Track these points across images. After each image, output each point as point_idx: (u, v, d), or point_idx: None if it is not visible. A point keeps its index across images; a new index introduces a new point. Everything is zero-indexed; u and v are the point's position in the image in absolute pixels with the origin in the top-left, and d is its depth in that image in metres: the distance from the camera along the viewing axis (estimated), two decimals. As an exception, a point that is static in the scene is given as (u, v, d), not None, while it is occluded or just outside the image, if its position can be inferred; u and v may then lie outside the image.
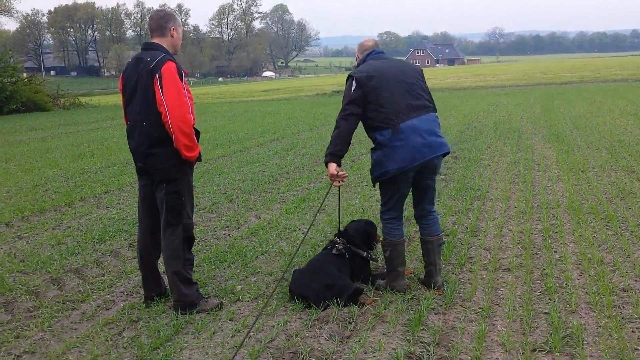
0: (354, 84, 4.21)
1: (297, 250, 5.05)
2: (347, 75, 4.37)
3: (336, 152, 4.24)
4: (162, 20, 4.12)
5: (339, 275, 4.34)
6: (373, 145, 4.34)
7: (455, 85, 41.55)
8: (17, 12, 47.30)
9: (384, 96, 4.16)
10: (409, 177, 4.27)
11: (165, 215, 4.14)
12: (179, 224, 4.15)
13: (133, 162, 4.39)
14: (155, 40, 4.13)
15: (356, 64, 4.60)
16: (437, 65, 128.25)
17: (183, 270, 4.17)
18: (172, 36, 4.15)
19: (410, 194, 4.50)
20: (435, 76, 57.03)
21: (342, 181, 4.34)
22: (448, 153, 4.37)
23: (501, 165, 9.41)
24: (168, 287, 4.36)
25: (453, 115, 17.90)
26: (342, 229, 4.81)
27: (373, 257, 4.75)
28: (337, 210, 4.93)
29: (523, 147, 11.15)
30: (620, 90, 27.33)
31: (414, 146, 4.13)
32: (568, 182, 7.89)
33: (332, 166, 4.25)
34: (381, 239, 4.59)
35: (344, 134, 4.22)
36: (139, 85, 4.00)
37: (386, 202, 4.44)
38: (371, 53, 4.47)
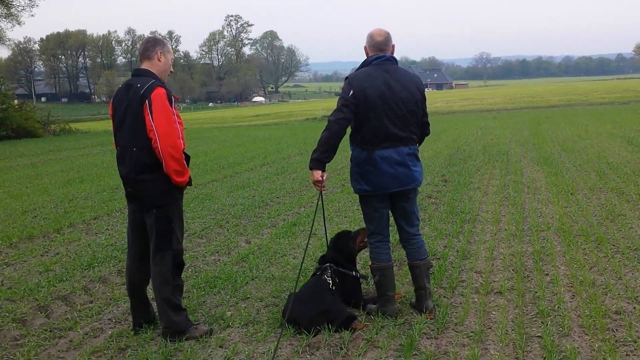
0: (351, 90, 4.15)
1: (298, 279, 5.00)
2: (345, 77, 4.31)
3: (322, 158, 4.17)
4: (148, 45, 4.17)
5: (333, 300, 4.33)
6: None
7: (444, 109, 41.90)
8: (9, 40, 47.31)
9: (370, 118, 4.16)
10: (381, 198, 4.31)
11: (154, 240, 4.11)
12: (169, 249, 4.12)
13: (122, 188, 4.37)
14: (144, 66, 4.16)
15: (364, 60, 4.34)
16: (426, 89, 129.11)
17: (172, 297, 4.12)
18: (159, 60, 4.18)
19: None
20: (425, 100, 57.29)
21: (324, 187, 4.28)
22: (418, 186, 4.38)
23: (491, 188, 9.44)
24: (157, 314, 4.31)
25: (442, 139, 18.02)
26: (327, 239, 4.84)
27: (363, 275, 4.76)
28: (322, 217, 4.94)
29: (512, 170, 11.20)
30: (607, 113, 27.66)
31: (383, 176, 4.20)
32: (558, 205, 7.92)
33: (318, 173, 4.18)
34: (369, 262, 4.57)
35: (333, 140, 4.16)
36: (129, 111, 4.01)
37: (368, 223, 4.45)
38: (378, 58, 4.23)
